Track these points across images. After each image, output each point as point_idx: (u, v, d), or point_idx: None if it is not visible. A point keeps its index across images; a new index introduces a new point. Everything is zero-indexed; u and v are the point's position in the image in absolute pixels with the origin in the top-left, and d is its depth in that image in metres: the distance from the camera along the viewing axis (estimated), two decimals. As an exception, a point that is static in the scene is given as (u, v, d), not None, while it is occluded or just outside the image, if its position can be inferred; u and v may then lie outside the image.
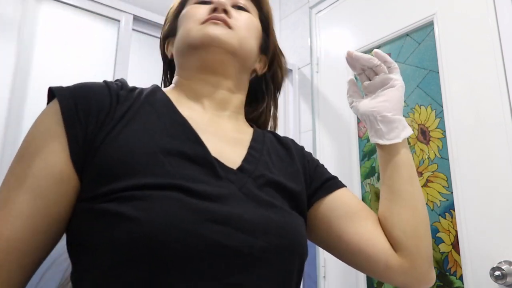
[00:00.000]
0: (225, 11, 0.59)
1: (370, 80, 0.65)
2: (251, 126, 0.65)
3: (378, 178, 1.44)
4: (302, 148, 0.68)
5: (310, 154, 0.68)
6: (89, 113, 0.47)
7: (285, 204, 0.53)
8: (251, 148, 0.57)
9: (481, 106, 1.19)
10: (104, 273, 0.41)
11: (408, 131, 0.61)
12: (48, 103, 0.51)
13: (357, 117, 1.56)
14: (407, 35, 1.45)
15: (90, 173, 0.45)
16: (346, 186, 0.65)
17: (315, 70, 1.79)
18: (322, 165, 0.68)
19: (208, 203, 0.45)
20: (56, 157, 0.45)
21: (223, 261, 0.43)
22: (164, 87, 0.68)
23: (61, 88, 0.49)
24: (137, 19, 1.76)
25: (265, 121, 0.71)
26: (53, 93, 0.50)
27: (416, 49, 1.42)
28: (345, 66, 1.65)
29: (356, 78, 0.72)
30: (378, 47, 1.54)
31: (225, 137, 0.56)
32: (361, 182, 1.49)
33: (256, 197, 0.49)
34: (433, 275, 0.59)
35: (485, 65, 1.19)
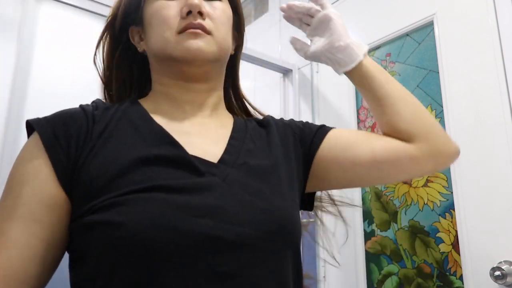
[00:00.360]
0: (200, 13, 0.55)
1: (308, 25, 0.69)
2: (233, 116, 0.66)
3: (378, 178, 1.44)
4: (282, 120, 0.68)
5: (293, 121, 0.69)
6: (69, 138, 0.48)
7: (275, 186, 0.53)
8: (231, 139, 0.57)
9: (481, 106, 1.18)
10: (103, 280, 0.42)
11: (364, 47, 0.65)
12: (28, 135, 0.52)
13: (357, 117, 1.56)
14: (407, 35, 1.45)
15: (76, 192, 0.46)
16: (334, 128, 0.68)
17: (315, 70, 1.79)
18: (307, 122, 0.69)
19: (190, 197, 0.45)
20: (44, 183, 0.46)
21: (214, 252, 0.43)
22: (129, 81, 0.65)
23: (38, 119, 0.51)
24: (137, 19, 1.76)
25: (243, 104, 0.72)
26: (31, 126, 0.50)
27: (416, 49, 1.42)
28: (345, 66, 1.65)
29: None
30: (378, 47, 1.54)
31: (208, 136, 0.57)
32: (361, 182, 1.49)
33: (242, 185, 0.50)
34: (453, 145, 0.62)
35: (485, 65, 1.19)
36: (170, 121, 0.56)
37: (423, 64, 1.38)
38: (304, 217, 1.65)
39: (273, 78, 1.93)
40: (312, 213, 0.68)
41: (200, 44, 0.54)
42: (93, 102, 0.57)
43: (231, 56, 0.65)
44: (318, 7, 0.66)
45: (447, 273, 1.20)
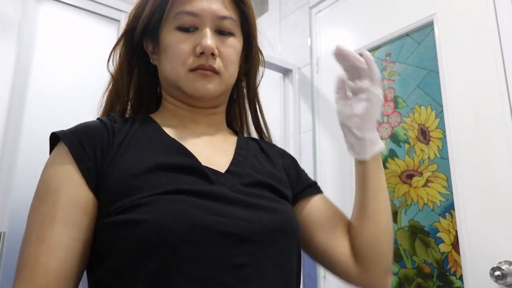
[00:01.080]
0: (212, 54, 0.59)
1: (353, 79, 0.64)
2: (236, 133, 0.72)
3: (378, 178, 1.44)
4: (284, 152, 0.74)
5: (293, 158, 0.75)
6: (94, 148, 0.53)
7: (273, 196, 0.59)
8: (236, 153, 0.63)
9: (481, 106, 1.19)
10: (128, 274, 0.46)
11: (376, 148, 0.64)
12: (52, 146, 0.56)
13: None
14: (407, 35, 1.45)
15: (102, 196, 0.51)
16: (322, 193, 0.71)
17: (315, 70, 1.79)
18: (303, 170, 0.74)
19: (206, 201, 0.51)
20: (78, 189, 0.50)
21: (229, 246, 0.49)
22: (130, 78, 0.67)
23: (64, 132, 0.55)
24: (137, 19, 1.76)
25: (241, 127, 0.75)
26: (56, 137, 0.55)
27: (416, 49, 1.42)
28: (345, 66, 1.65)
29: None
30: (378, 47, 1.54)
31: (215, 149, 0.62)
32: (361, 182, 1.49)
33: (246, 193, 0.56)
34: (387, 281, 0.65)
35: (485, 65, 1.19)
36: (180, 134, 0.61)
37: (423, 64, 1.38)
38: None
39: (273, 78, 1.93)
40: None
41: (208, 86, 0.60)
42: (110, 116, 0.61)
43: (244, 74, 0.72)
44: (370, 73, 0.62)
45: (447, 273, 1.20)
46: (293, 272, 0.56)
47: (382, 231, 0.63)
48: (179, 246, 0.46)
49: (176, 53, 0.60)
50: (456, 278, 1.17)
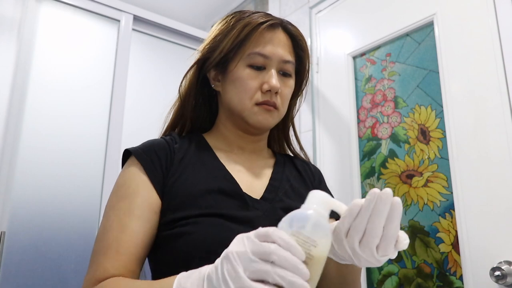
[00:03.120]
0: (276, 93, 0.70)
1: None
2: (274, 153, 0.82)
3: (378, 178, 1.44)
4: (315, 171, 0.83)
5: (320, 175, 0.83)
6: (160, 164, 0.66)
7: None
8: (271, 179, 0.73)
9: (481, 106, 1.19)
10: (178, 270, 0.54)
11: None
12: (124, 159, 0.70)
13: (357, 117, 1.56)
14: (407, 35, 1.45)
15: (165, 202, 0.64)
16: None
17: (315, 70, 1.79)
18: (325, 186, 0.81)
19: (239, 225, 0.61)
20: (150, 194, 0.64)
21: None
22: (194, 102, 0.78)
23: (136, 149, 0.68)
24: (137, 19, 1.76)
25: (280, 148, 0.85)
26: (129, 152, 0.68)
27: (416, 49, 1.42)
28: (345, 66, 1.65)
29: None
30: (378, 47, 1.54)
31: (254, 173, 0.73)
32: (361, 182, 1.49)
33: (278, 218, 0.62)
34: None
35: (485, 65, 1.19)
36: (227, 158, 0.73)
37: (423, 64, 1.38)
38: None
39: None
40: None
41: (269, 119, 0.71)
42: (170, 135, 0.73)
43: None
44: None
45: (447, 273, 1.20)
46: None
47: None
48: (212, 256, 0.51)
49: (245, 87, 0.69)
50: (456, 278, 1.17)
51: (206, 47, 0.74)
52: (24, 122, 1.40)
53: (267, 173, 0.75)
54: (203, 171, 0.68)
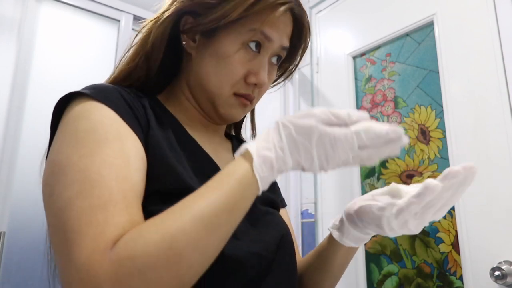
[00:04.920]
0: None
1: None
2: (228, 137, 0.72)
3: (378, 178, 1.44)
4: None
5: None
6: (138, 120, 0.51)
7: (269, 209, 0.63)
8: None
9: (481, 106, 1.19)
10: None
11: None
12: (61, 109, 0.52)
13: (357, 117, 1.56)
14: (407, 35, 1.45)
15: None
16: (285, 206, 0.75)
17: (315, 70, 1.79)
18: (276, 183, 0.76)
19: None
20: (137, 141, 0.48)
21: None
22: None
23: (100, 94, 0.52)
24: (137, 19, 1.76)
25: (237, 131, 0.77)
26: (83, 96, 0.52)
27: (416, 49, 1.42)
28: (345, 66, 1.65)
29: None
30: (378, 47, 1.54)
31: (221, 158, 0.62)
32: (361, 182, 1.49)
33: (257, 208, 0.58)
34: None
35: (485, 65, 1.19)
36: (200, 139, 0.60)
37: (423, 64, 1.38)
38: (304, 217, 1.65)
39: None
40: (312, 213, 0.72)
41: (240, 114, 0.62)
42: (129, 89, 0.56)
43: None
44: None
45: (447, 273, 1.20)
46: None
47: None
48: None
49: (230, 70, 0.57)
50: (456, 278, 1.17)
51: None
52: (24, 122, 1.39)
53: (229, 155, 0.66)
54: (190, 160, 0.54)
